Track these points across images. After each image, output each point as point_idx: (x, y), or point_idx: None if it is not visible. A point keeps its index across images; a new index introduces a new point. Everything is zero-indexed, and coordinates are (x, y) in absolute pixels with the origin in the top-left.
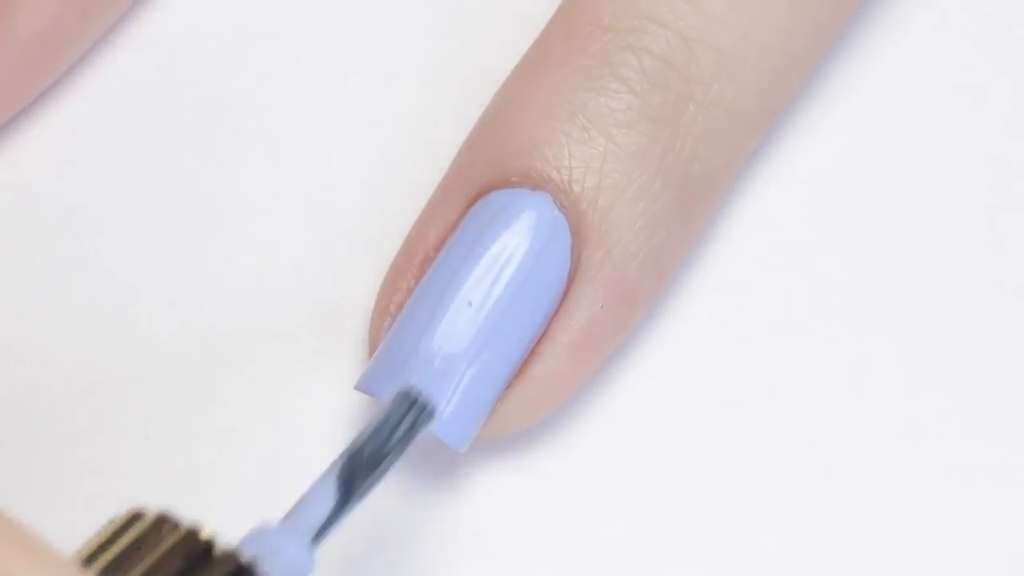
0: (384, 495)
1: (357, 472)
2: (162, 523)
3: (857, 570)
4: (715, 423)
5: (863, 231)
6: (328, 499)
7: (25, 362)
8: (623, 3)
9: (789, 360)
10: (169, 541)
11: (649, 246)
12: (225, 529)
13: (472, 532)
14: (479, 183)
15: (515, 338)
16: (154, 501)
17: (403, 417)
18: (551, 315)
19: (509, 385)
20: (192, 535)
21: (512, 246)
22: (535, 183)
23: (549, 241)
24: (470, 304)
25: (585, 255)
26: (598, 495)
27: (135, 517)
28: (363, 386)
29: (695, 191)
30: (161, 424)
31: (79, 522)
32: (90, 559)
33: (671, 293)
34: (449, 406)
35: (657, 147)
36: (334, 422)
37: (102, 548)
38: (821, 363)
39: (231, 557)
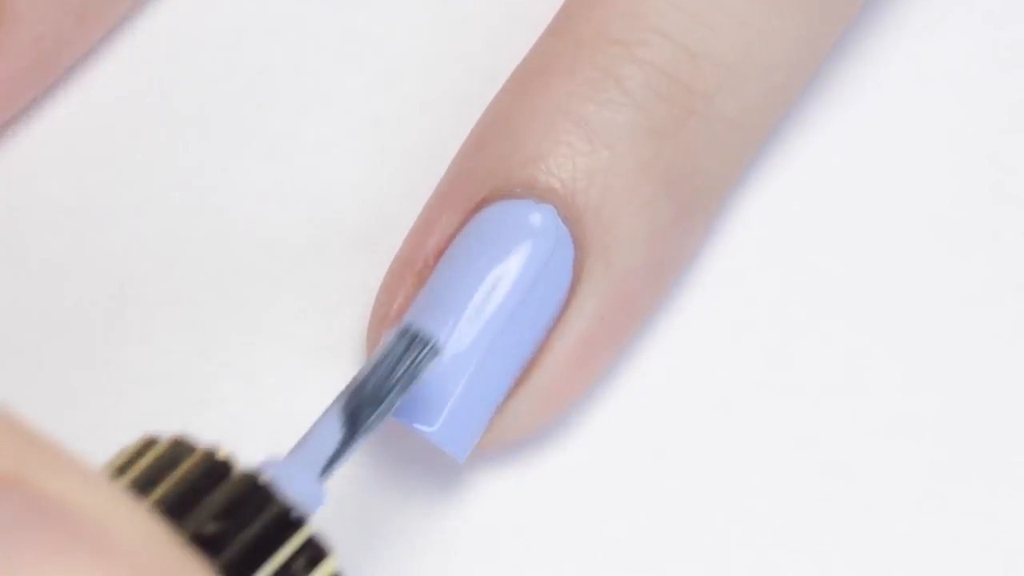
0: (384, 495)
1: (362, 407)
2: (178, 446)
3: (857, 570)
4: (714, 422)
5: (861, 229)
6: (334, 434)
7: (25, 361)
8: (632, 16)
9: (789, 359)
10: (188, 462)
11: (650, 257)
12: None
13: (472, 531)
14: (480, 192)
15: (516, 348)
16: None
17: (403, 354)
18: (551, 326)
19: (508, 395)
20: (210, 456)
21: (518, 258)
22: (539, 195)
23: (553, 253)
24: (474, 313)
25: (587, 266)
26: (598, 494)
27: (149, 443)
28: None
29: (696, 202)
30: (160, 423)
31: None
32: (114, 475)
33: (670, 291)
34: (448, 414)
35: (660, 160)
36: None
37: (121, 469)
38: (820, 361)
39: (250, 477)
